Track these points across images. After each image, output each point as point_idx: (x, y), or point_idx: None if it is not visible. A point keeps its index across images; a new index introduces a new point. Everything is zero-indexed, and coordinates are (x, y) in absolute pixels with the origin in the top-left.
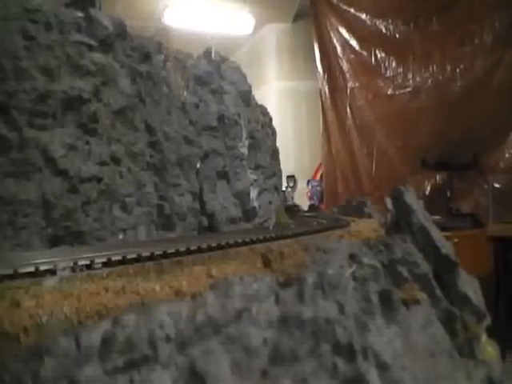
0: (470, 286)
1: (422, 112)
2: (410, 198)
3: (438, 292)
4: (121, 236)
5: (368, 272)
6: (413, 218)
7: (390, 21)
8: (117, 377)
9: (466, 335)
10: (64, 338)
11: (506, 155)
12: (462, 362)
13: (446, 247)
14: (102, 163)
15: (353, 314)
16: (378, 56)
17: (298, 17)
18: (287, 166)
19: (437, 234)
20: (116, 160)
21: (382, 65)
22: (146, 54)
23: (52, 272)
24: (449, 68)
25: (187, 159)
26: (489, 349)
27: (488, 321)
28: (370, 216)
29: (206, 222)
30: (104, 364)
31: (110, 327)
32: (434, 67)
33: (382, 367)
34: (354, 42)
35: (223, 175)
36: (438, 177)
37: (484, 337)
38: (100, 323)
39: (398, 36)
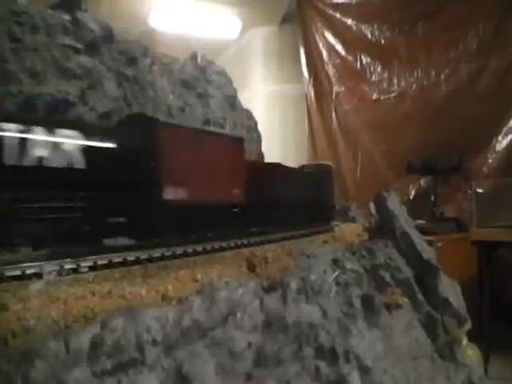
0: (451, 290)
1: (407, 117)
2: (393, 203)
3: (420, 296)
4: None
5: (351, 277)
6: (395, 223)
7: (375, 26)
8: (105, 379)
9: (446, 339)
10: (54, 341)
11: (490, 160)
12: (442, 364)
13: (428, 252)
14: None
15: (335, 318)
16: (364, 61)
17: (284, 20)
18: None
19: (419, 239)
20: None
21: (368, 70)
22: (132, 57)
23: (38, 275)
24: (433, 73)
25: None
26: (469, 352)
27: (469, 325)
28: (354, 220)
29: None
30: (93, 367)
31: (98, 331)
32: (419, 72)
33: (364, 370)
34: (339, 47)
35: None
36: (422, 181)
37: (465, 340)
38: (89, 327)
39: (383, 41)
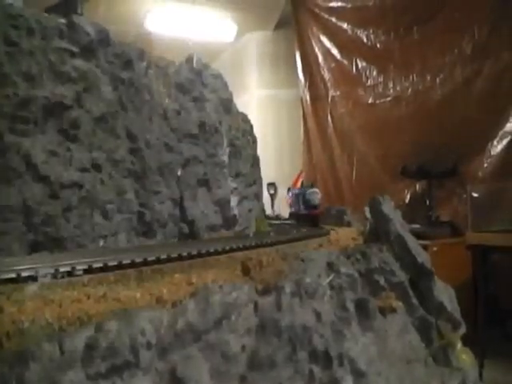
0: (445, 294)
1: (402, 121)
2: (388, 207)
3: (414, 300)
4: (101, 242)
5: (345, 281)
6: (390, 227)
7: (371, 30)
8: (99, 382)
9: (441, 343)
10: (48, 343)
11: (485, 165)
12: (436, 369)
13: (422, 256)
14: (83, 170)
15: (329, 322)
16: (359, 65)
17: (279, 25)
18: (268, 173)
19: (413, 243)
20: (97, 167)
21: (363, 74)
22: (128, 60)
23: (33, 278)
24: (429, 77)
25: (168, 166)
26: (464, 356)
27: (463, 329)
28: (349, 224)
29: (186, 230)
30: (87, 369)
31: (93, 333)
32: (414, 77)
33: (358, 374)
34: (335, 51)
35: (204, 183)
36: (417, 185)
37: (459, 344)
38: (83, 329)
39: (378, 45)
